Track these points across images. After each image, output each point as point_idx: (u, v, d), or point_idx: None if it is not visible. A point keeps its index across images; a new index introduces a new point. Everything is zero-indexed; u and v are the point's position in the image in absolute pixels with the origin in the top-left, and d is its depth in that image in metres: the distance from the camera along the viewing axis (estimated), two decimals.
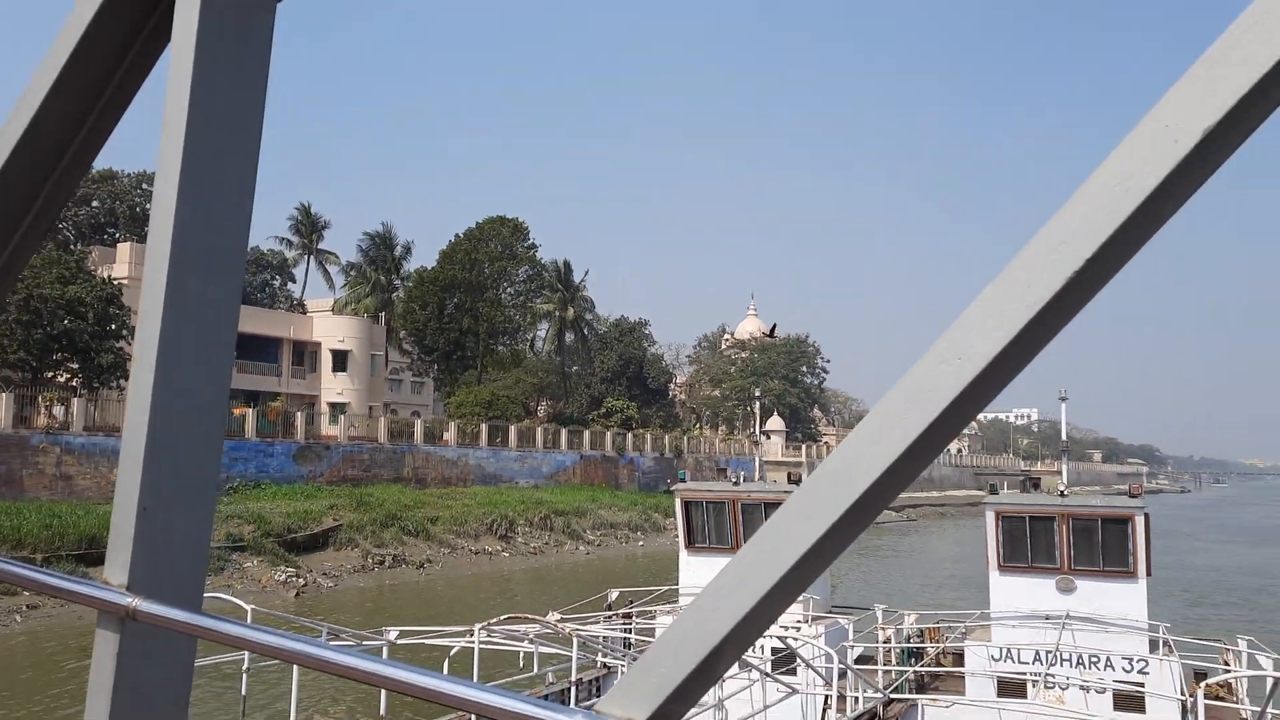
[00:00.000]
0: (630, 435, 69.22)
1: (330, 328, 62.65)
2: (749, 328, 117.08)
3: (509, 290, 74.34)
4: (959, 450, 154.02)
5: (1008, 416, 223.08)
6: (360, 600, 35.51)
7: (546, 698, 11.99)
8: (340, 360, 62.14)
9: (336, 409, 56.97)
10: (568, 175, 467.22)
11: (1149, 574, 14.80)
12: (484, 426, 57.72)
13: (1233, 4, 1.07)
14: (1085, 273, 1.08)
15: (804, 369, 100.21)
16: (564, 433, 63.97)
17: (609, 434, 67.51)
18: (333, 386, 61.34)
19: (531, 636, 14.83)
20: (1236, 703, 14.29)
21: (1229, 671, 14.41)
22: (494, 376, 70.89)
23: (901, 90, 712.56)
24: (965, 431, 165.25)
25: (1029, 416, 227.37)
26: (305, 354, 62.39)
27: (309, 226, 73.93)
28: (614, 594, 18.66)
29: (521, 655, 14.97)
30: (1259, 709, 12.06)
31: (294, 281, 78.69)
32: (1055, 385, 18.61)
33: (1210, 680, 13.28)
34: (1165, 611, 20.44)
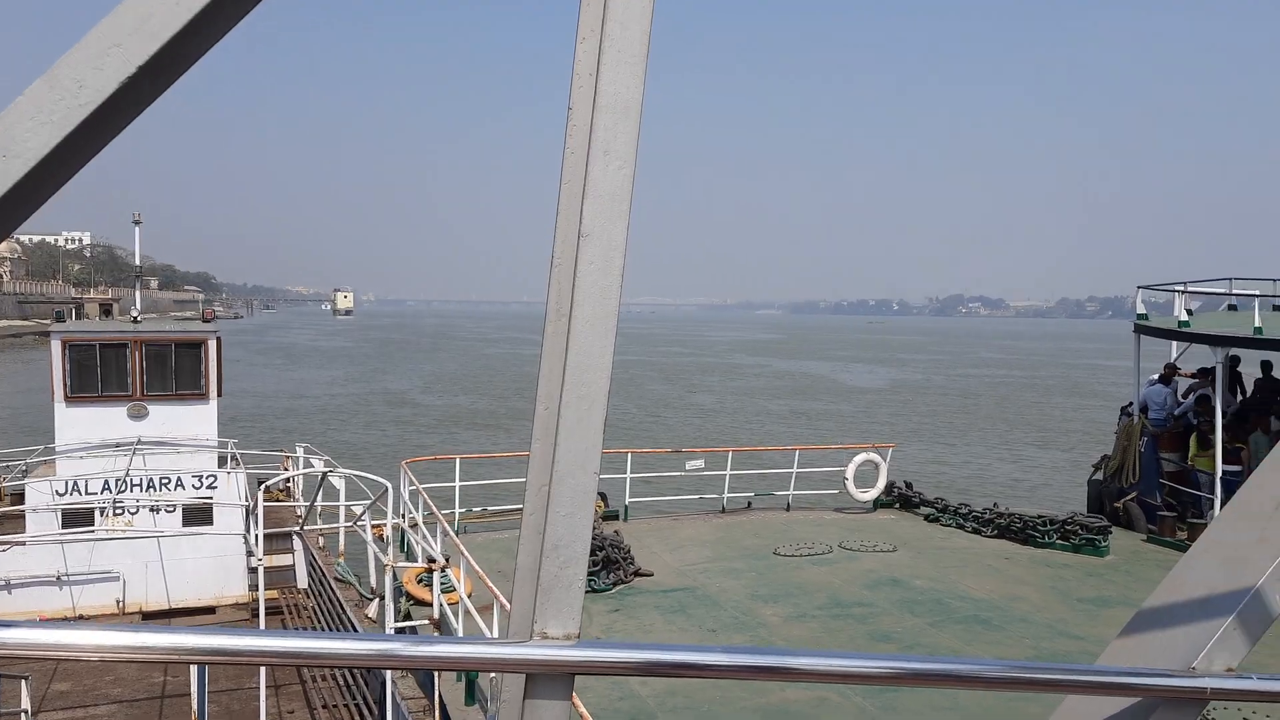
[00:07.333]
0: None
1: None
2: None
3: None
4: None
5: (57, 240, 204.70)
6: None
7: None
8: None
9: None
10: None
11: (220, 395, 15.64)
12: None
13: None
14: (139, 78, 1.05)
15: None
16: None
17: None
18: None
19: None
20: (293, 501, 16.29)
21: (287, 475, 16.29)
22: None
23: None
24: (4, 255, 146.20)
25: (81, 240, 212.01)
26: None
27: None
28: None
29: None
30: (309, 502, 14.07)
31: None
32: (114, 209, 17.87)
33: (268, 484, 14.79)
34: (234, 429, 21.92)
